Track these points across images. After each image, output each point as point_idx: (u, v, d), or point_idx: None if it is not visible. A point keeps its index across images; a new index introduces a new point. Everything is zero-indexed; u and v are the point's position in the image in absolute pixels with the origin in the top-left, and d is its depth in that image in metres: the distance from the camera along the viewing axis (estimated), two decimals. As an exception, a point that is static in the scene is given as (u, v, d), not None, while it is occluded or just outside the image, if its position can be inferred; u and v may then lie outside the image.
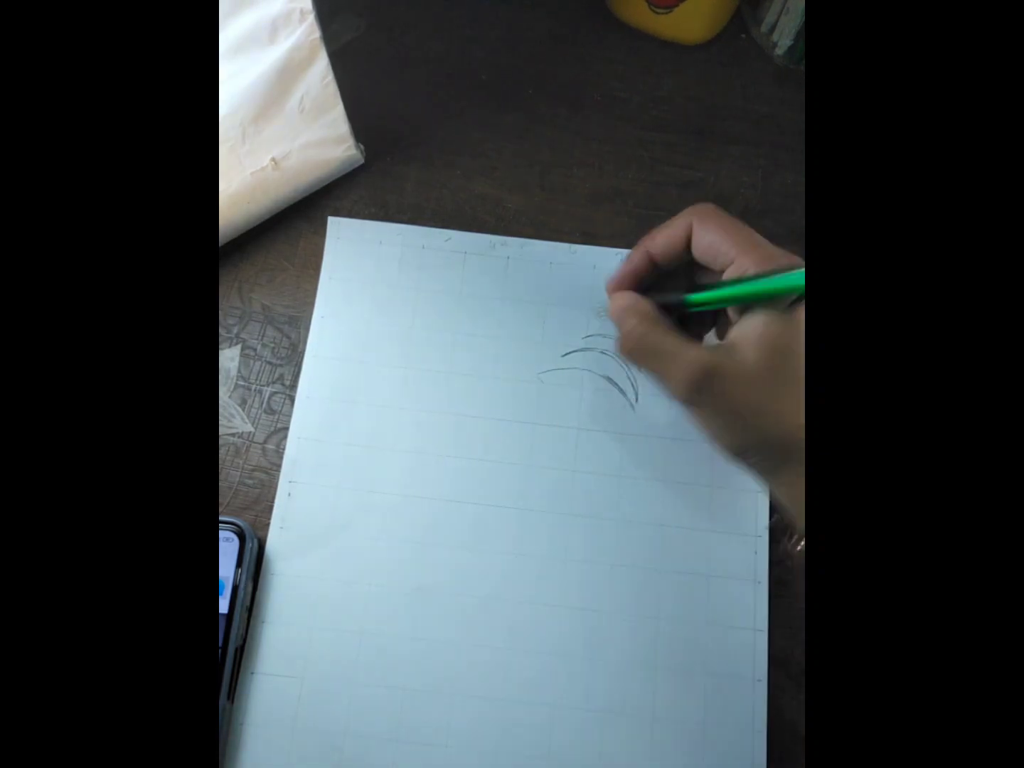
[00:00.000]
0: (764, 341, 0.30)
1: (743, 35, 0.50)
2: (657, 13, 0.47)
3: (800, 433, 0.30)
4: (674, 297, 0.34)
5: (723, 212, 0.33)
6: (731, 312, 0.34)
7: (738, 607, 0.38)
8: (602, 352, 0.42)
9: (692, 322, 0.36)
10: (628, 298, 0.34)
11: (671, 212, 0.45)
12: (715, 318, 0.36)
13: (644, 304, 0.34)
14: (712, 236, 0.32)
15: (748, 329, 0.31)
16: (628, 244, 0.44)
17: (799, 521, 0.32)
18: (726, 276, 0.32)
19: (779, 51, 0.49)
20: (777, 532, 0.38)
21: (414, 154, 0.46)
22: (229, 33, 0.37)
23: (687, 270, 0.35)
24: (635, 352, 0.33)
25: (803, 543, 0.32)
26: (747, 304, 0.32)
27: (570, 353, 0.42)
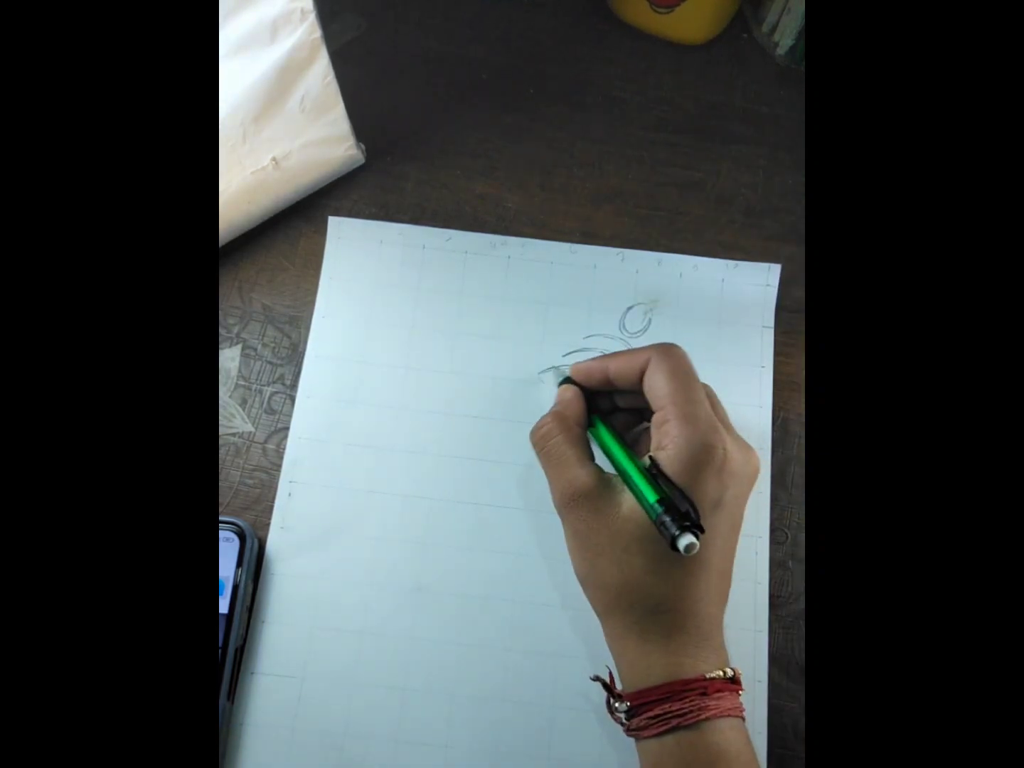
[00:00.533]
0: (627, 511, 0.32)
1: (744, 35, 0.50)
2: (658, 13, 0.47)
3: (614, 595, 0.33)
4: (602, 403, 0.38)
5: (683, 359, 0.35)
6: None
7: (738, 607, 0.38)
8: (603, 352, 0.42)
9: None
10: (568, 393, 0.37)
11: (671, 212, 0.45)
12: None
13: (574, 408, 0.37)
14: (658, 380, 0.34)
15: (630, 497, 0.33)
16: (628, 244, 0.44)
17: (620, 679, 0.34)
18: (653, 421, 0.34)
19: (780, 51, 0.49)
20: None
21: (415, 154, 0.46)
22: (229, 33, 0.37)
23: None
24: (537, 446, 0.36)
25: (622, 706, 0.33)
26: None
27: (571, 353, 0.42)
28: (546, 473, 0.36)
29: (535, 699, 0.37)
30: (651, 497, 0.31)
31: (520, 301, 0.43)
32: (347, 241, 0.44)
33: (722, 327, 0.43)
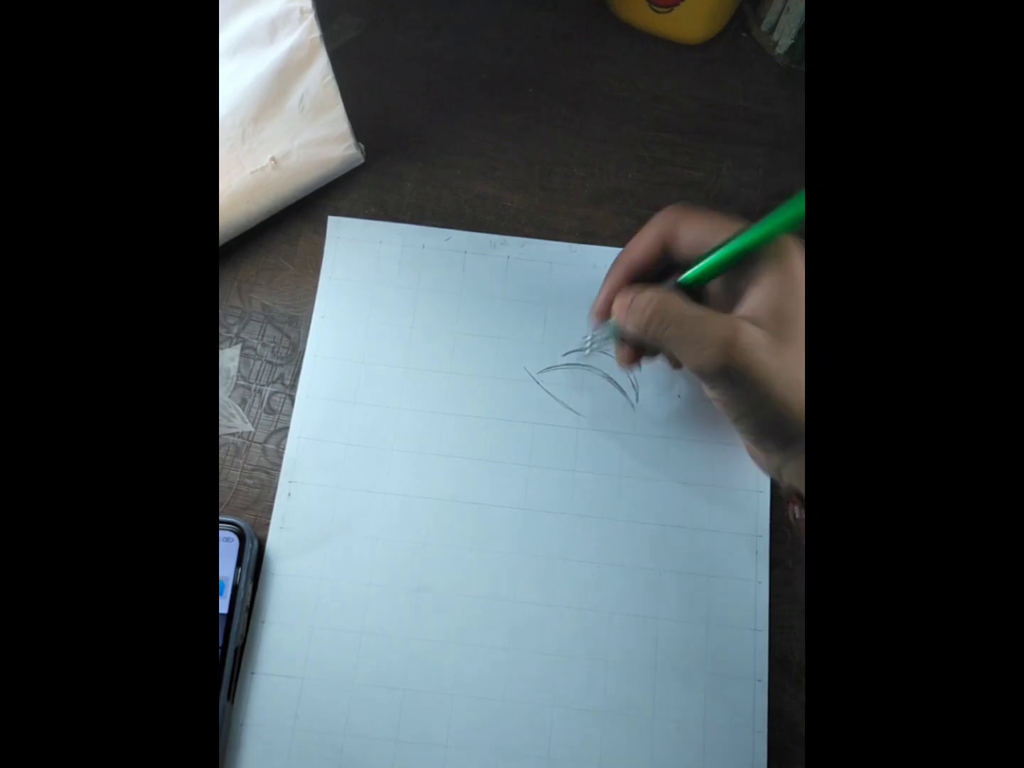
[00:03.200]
0: (774, 309, 0.31)
1: (744, 34, 0.50)
2: (658, 12, 0.47)
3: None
4: (668, 286, 0.34)
5: (695, 208, 0.33)
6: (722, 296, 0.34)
7: (738, 607, 0.38)
8: (603, 352, 0.42)
9: None
10: (628, 292, 0.33)
11: (671, 211, 0.45)
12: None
13: (651, 288, 0.33)
14: (697, 229, 0.32)
15: (758, 300, 0.31)
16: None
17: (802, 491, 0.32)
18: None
19: (780, 50, 0.49)
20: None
21: (414, 153, 0.46)
22: (229, 33, 0.37)
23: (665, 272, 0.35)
24: (656, 322, 0.32)
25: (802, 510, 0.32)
26: (743, 268, 0.32)
27: (571, 352, 0.42)
28: (685, 342, 0.31)
29: (535, 699, 0.37)
30: (781, 217, 0.29)
31: (520, 301, 0.43)
32: (346, 241, 0.44)
33: (722, 327, 0.42)
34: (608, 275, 0.35)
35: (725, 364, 0.30)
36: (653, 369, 0.42)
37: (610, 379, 0.42)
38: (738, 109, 0.48)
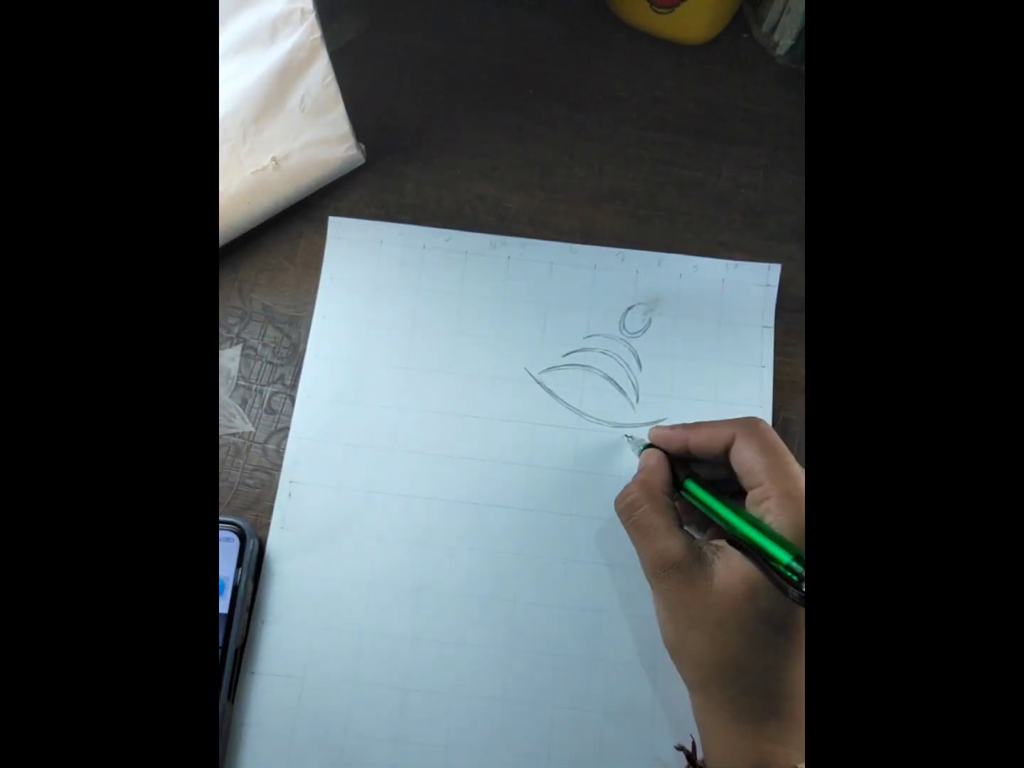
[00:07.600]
0: (744, 582, 0.31)
1: (744, 35, 0.50)
2: (658, 12, 0.47)
3: (707, 671, 0.32)
4: (681, 472, 0.36)
5: (770, 432, 0.34)
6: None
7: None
8: (603, 352, 0.42)
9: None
10: (652, 459, 0.36)
11: (671, 212, 0.45)
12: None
13: (659, 475, 0.35)
14: (749, 455, 0.33)
15: (736, 560, 0.32)
16: (628, 244, 0.44)
17: (703, 753, 0.33)
18: (750, 498, 0.33)
19: (780, 51, 0.49)
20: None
21: (415, 154, 0.46)
22: (229, 33, 0.37)
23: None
24: (623, 516, 0.36)
25: None
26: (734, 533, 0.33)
27: (571, 353, 0.42)
28: (634, 543, 0.35)
29: (535, 699, 0.37)
30: (785, 557, 0.29)
31: (520, 301, 0.43)
32: (347, 241, 0.44)
33: (722, 327, 0.43)
34: (672, 431, 0.37)
35: (651, 580, 0.34)
36: (654, 370, 0.42)
37: (610, 379, 0.42)
38: (738, 110, 0.48)
